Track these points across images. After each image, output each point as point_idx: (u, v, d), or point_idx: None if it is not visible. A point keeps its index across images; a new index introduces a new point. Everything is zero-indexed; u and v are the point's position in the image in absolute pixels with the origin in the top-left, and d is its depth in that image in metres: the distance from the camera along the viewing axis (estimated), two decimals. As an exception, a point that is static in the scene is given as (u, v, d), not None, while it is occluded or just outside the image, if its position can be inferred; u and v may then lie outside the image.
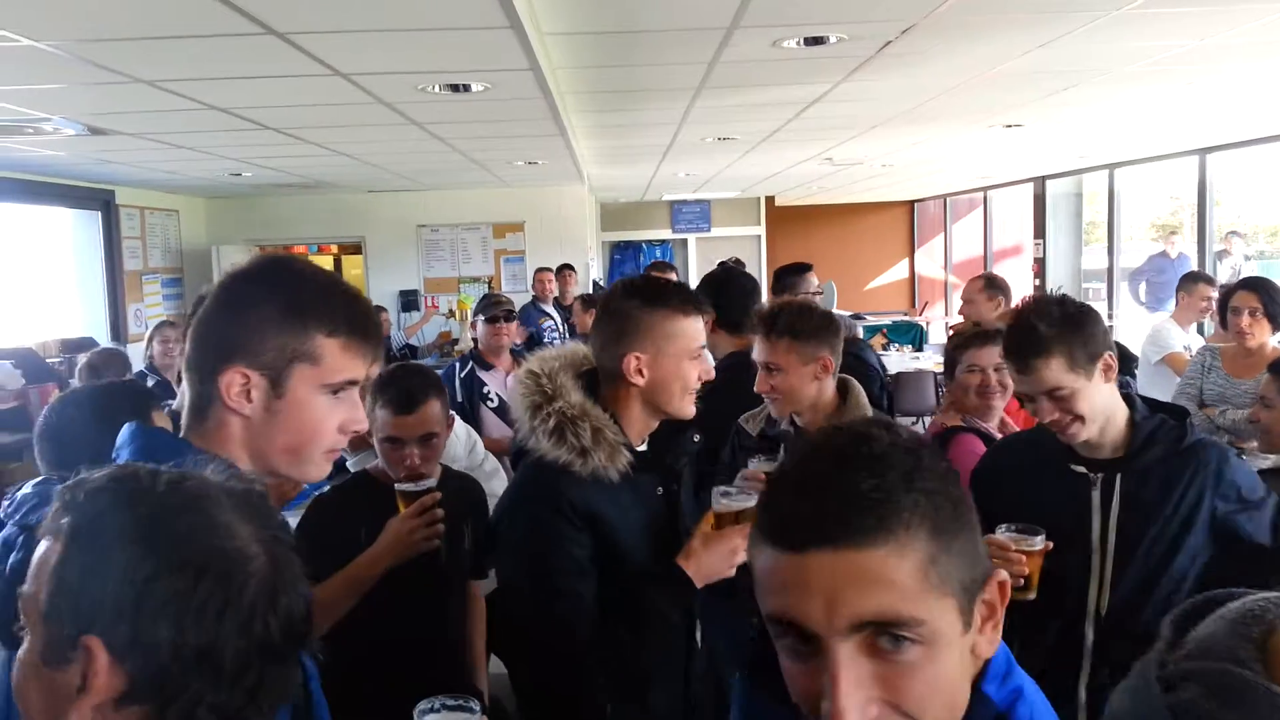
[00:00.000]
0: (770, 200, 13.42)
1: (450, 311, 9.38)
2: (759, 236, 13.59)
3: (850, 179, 10.19)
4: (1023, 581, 1.88)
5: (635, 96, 4.85)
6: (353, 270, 11.22)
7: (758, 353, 2.55)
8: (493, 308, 4.62)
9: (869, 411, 2.63)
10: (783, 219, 13.55)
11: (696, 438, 2.06)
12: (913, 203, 13.97)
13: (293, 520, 3.08)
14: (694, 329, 1.92)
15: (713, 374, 1.96)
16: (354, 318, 1.31)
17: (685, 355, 1.90)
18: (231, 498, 0.92)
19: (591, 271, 10.16)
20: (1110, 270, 9.36)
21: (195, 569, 0.85)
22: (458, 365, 4.62)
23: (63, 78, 3.63)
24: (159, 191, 8.42)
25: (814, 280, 4.70)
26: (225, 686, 0.85)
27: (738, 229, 13.55)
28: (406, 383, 2.44)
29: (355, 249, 10.02)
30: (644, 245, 13.73)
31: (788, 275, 4.69)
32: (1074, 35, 3.62)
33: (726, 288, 3.71)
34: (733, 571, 1.88)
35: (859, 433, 0.89)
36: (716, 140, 6.65)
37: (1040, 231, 10.34)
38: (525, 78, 3.83)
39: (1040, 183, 10.27)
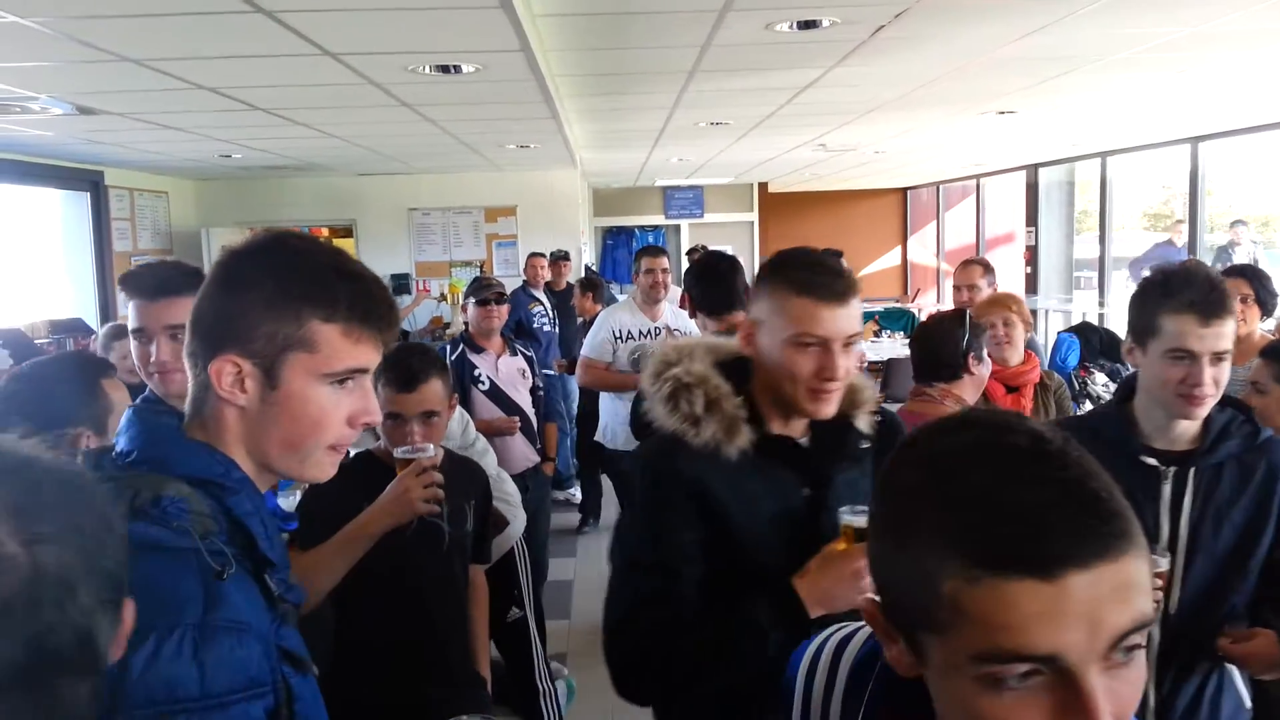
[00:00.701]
0: (764, 186, 13.40)
1: (442, 295, 9.36)
2: (752, 223, 13.57)
3: (843, 165, 10.18)
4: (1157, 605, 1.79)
5: (628, 80, 4.83)
6: (344, 254, 11.16)
7: None
8: (483, 290, 4.61)
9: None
10: (776, 205, 13.54)
11: (865, 444, 1.81)
12: (905, 190, 13.97)
13: (291, 501, 3.08)
14: (804, 313, 1.65)
15: (836, 374, 1.67)
16: (357, 299, 1.19)
17: (785, 339, 1.66)
18: (14, 486, 0.77)
19: (584, 256, 10.14)
20: (1102, 259, 9.37)
21: None
22: (449, 348, 4.61)
23: (50, 55, 3.59)
24: (148, 173, 8.36)
25: (845, 265, 4.74)
26: None
27: (731, 215, 13.53)
28: (408, 360, 2.45)
29: (346, 232, 9.98)
30: (636, 231, 13.71)
31: None
32: (1068, 20, 3.61)
33: (705, 274, 3.73)
34: (860, 600, 1.59)
35: (1026, 429, 0.78)
36: (710, 125, 6.63)
37: (1032, 219, 10.35)
38: (516, 59, 3.81)
39: (1033, 170, 10.27)
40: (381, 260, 9.51)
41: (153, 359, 2.19)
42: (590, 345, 5.06)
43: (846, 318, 1.68)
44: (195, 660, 1.03)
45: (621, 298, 7.21)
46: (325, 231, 11.27)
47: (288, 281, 1.18)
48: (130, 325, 2.22)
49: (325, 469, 1.23)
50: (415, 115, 5.38)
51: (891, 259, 14.12)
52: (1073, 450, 0.76)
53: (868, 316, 11.42)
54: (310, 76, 4.13)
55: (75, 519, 0.79)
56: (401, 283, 9.52)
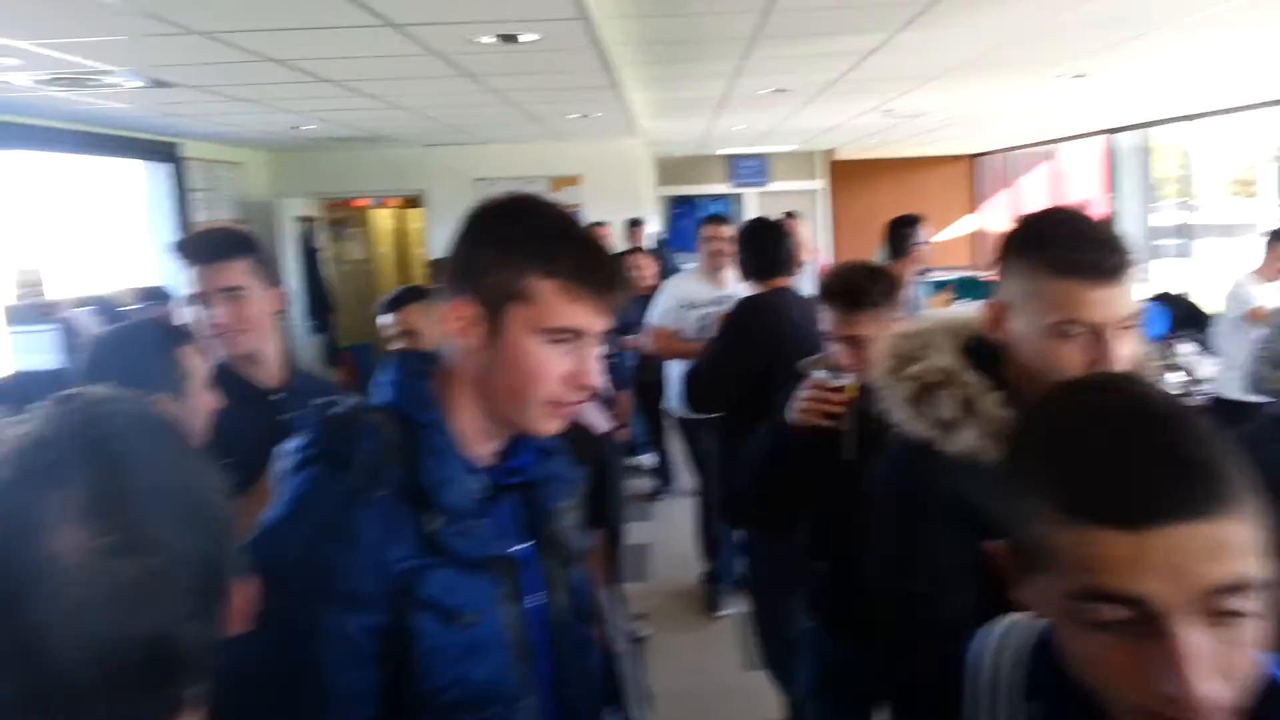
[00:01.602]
0: (830, 154, 13.21)
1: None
2: (817, 191, 13.40)
3: (911, 131, 9.99)
4: None
5: (689, 46, 4.80)
6: (415, 224, 11.32)
7: (840, 327, 2.33)
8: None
9: None
10: (844, 173, 13.34)
11: None
12: (974, 156, 13.64)
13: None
14: (1067, 297, 1.37)
15: (1112, 367, 1.42)
16: (579, 260, 1.23)
17: (1045, 327, 1.38)
18: (91, 473, 0.68)
19: (650, 225, 10.13)
20: (1183, 227, 9.06)
21: None
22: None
23: (121, 30, 3.70)
24: (223, 144, 8.57)
25: (925, 230, 4.83)
26: None
27: (796, 183, 13.37)
28: None
29: (415, 203, 10.11)
30: (702, 200, 13.63)
31: (903, 226, 4.86)
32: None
33: (753, 239, 3.79)
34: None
35: (1133, 391, 0.84)
36: (773, 92, 6.55)
37: (1108, 187, 10.05)
38: (575, 28, 3.81)
39: (1109, 137, 9.96)
40: (449, 230, 9.58)
41: (212, 321, 2.26)
42: (658, 313, 5.11)
43: (1121, 297, 1.39)
44: (293, 545, 1.15)
45: (687, 267, 7.21)
46: (396, 202, 11.43)
47: (517, 236, 1.26)
48: (188, 291, 2.29)
49: (544, 424, 1.27)
50: (477, 85, 5.42)
51: (962, 227, 13.83)
52: (1185, 417, 0.81)
53: (942, 284, 11.21)
54: (374, 48, 4.19)
55: (161, 514, 0.70)
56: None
